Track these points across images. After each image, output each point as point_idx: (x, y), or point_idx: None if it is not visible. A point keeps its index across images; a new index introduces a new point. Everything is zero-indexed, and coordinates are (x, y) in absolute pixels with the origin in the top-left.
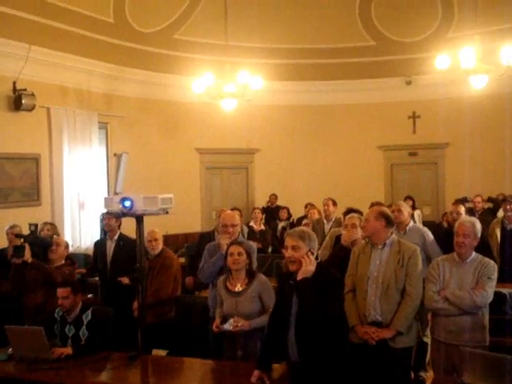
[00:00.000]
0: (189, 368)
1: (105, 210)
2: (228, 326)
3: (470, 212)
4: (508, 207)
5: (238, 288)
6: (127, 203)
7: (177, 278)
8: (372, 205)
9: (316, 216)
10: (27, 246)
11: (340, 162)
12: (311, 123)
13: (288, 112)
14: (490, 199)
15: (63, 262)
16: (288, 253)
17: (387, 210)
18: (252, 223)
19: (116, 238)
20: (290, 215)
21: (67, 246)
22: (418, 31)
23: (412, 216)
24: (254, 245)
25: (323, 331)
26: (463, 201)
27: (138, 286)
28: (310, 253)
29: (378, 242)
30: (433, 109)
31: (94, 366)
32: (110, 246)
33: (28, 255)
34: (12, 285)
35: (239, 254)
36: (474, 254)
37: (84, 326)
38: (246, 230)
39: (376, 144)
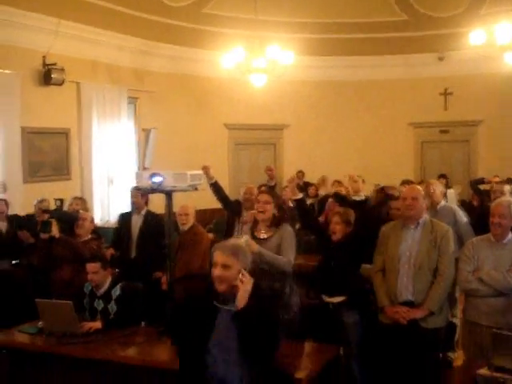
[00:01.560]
0: None
1: (134, 185)
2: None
3: (486, 194)
4: None
5: (263, 235)
6: (157, 179)
7: (206, 253)
8: (403, 182)
9: (343, 193)
10: (54, 222)
11: (370, 138)
12: (341, 99)
13: (317, 88)
14: (509, 180)
15: (89, 236)
16: (217, 271)
17: None
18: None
19: (143, 213)
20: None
21: (93, 220)
22: (452, 6)
23: (445, 195)
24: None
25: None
26: (479, 182)
27: (167, 261)
28: (243, 270)
29: (414, 221)
30: (465, 85)
31: (122, 341)
32: (137, 221)
33: (55, 231)
34: (39, 260)
35: (265, 202)
36: (510, 234)
37: (113, 301)
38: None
39: (407, 121)
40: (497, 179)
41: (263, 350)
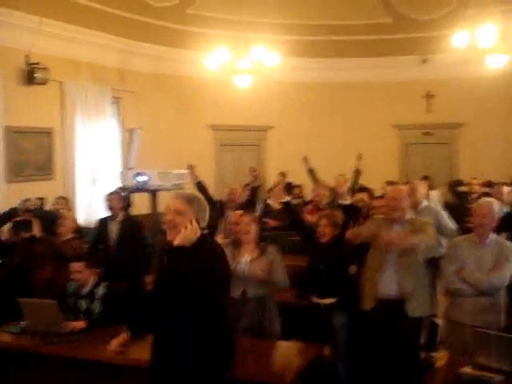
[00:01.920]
0: None
1: (118, 185)
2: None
3: (464, 196)
4: None
5: (247, 258)
6: (142, 178)
7: None
8: (388, 183)
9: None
10: (36, 221)
11: (354, 140)
12: (325, 101)
13: (302, 89)
14: (488, 183)
15: (71, 235)
16: (170, 215)
17: None
18: (270, 201)
19: (120, 219)
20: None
21: (74, 219)
22: (436, 8)
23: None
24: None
25: (186, 303)
26: (458, 184)
27: (151, 261)
28: (194, 220)
29: (400, 220)
30: (448, 88)
31: (106, 340)
32: (113, 227)
33: (37, 230)
34: (20, 259)
35: (248, 223)
36: (492, 235)
37: (96, 300)
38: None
39: (391, 123)
40: (475, 181)
41: (178, 290)
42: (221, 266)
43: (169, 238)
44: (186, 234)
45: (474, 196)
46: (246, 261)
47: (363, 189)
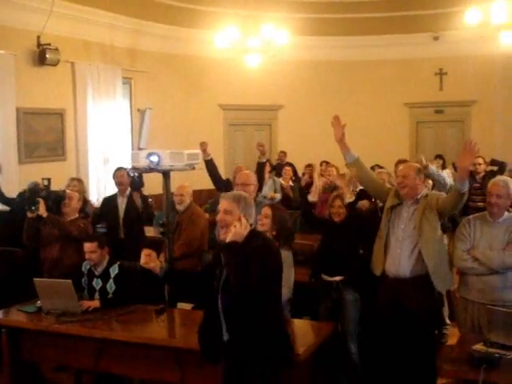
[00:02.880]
0: None
1: (129, 165)
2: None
3: (471, 175)
4: None
5: None
6: (154, 158)
7: (203, 233)
8: (398, 162)
9: (334, 173)
10: (42, 201)
11: (365, 118)
12: (336, 79)
13: (313, 68)
14: (493, 162)
15: (77, 215)
16: (220, 216)
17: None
18: (281, 179)
19: (127, 193)
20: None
21: (80, 199)
22: None
23: None
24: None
25: (250, 304)
26: None
27: (165, 240)
28: (243, 217)
29: (412, 198)
30: (460, 66)
31: (121, 319)
32: (122, 202)
33: (43, 210)
34: (27, 239)
35: (265, 215)
36: (506, 213)
37: (111, 280)
38: (278, 182)
39: (402, 101)
40: (480, 160)
41: (239, 289)
42: (275, 259)
43: (222, 236)
44: (236, 230)
45: (481, 175)
46: None
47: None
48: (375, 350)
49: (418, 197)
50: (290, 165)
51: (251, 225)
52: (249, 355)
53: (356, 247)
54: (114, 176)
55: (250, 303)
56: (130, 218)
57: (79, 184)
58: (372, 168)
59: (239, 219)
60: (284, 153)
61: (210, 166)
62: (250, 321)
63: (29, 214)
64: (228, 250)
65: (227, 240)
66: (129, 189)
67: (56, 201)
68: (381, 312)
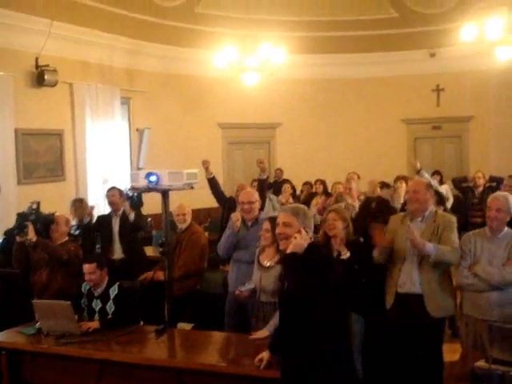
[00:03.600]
0: (214, 341)
1: (128, 185)
2: (246, 289)
3: (469, 190)
4: None
5: (266, 263)
6: (153, 178)
7: (203, 252)
8: (398, 178)
9: (341, 189)
10: (31, 225)
11: (363, 135)
12: (334, 97)
13: (310, 86)
14: (491, 178)
15: (66, 238)
16: (279, 229)
17: None
18: (280, 197)
19: (120, 213)
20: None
21: (67, 222)
22: (443, 2)
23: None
24: None
25: (309, 315)
26: (462, 180)
27: (165, 260)
28: (303, 230)
29: (420, 213)
30: (457, 82)
31: (121, 340)
32: (115, 222)
33: (32, 234)
34: (15, 262)
35: (266, 230)
36: (506, 229)
37: (111, 300)
38: (274, 200)
39: (399, 117)
40: (479, 175)
41: (302, 299)
42: (332, 270)
43: (282, 247)
44: (296, 241)
45: (479, 190)
46: (265, 264)
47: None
48: (379, 367)
49: (426, 213)
50: (288, 182)
51: (311, 238)
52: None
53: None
54: (106, 196)
55: (311, 315)
56: (125, 237)
57: (82, 206)
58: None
59: (299, 231)
60: (281, 170)
61: (213, 183)
62: (311, 336)
63: (18, 239)
64: (289, 261)
65: (288, 251)
66: (122, 208)
67: (45, 224)
68: (390, 327)
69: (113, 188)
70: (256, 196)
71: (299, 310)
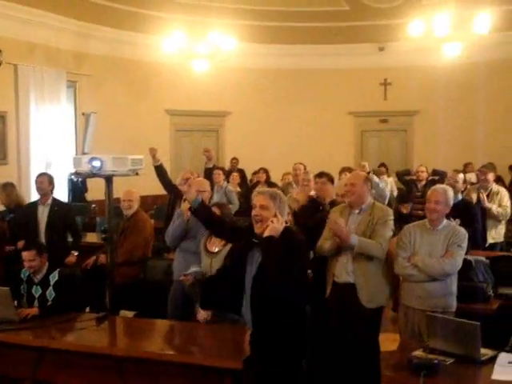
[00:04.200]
0: (157, 329)
1: (72, 170)
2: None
3: (413, 183)
4: (484, 177)
5: (215, 248)
6: (96, 163)
7: (148, 240)
8: (343, 170)
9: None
10: None
11: (311, 126)
12: (283, 87)
13: (260, 75)
14: (435, 172)
15: None
16: (255, 211)
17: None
18: (229, 186)
19: (49, 202)
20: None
21: None
22: None
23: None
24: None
25: (281, 297)
26: (405, 173)
27: (107, 246)
28: (278, 214)
29: (358, 206)
30: (405, 76)
31: (61, 327)
32: (43, 212)
33: None
34: None
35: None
36: (445, 221)
37: (51, 287)
38: (230, 189)
39: (347, 110)
40: (422, 169)
41: (277, 282)
42: (307, 257)
43: (257, 230)
44: (273, 225)
45: (422, 183)
46: (214, 250)
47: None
48: (321, 356)
49: (364, 206)
50: (240, 171)
51: (286, 222)
52: (271, 349)
53: None
54: (35, 182)
55: (283, 297)
56: (53, 231)
57: (14, 189)
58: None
59: (275, 215)
60: (236, 159)
61: (160, 171)
62: (278, 314)
63: None
64: (267, 244)
65: (265, 234)
66: (51, 197)
67: None
68: (329, 317)
69: (43, 174)
70: (206, 185)
71: (270, 292)
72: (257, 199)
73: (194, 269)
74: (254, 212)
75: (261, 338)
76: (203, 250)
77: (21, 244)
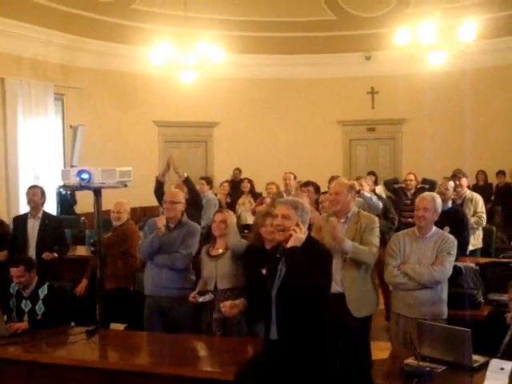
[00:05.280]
0: (149, 342)
1: (61, 183)
2: (204, 299)
3: (401, 191)
4: (458, 183)
5: (218, 251)
6: (85, 176)
7: (136, 252)
8: (332, 178)
9: (274, 190)
10: None
11: (299, 136)
12: (271, 97)
13: (248, 85)
14: (424, 181)
15: None
16: (277, 221)
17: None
18: (219, 196)
19: (40, 215)
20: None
21: None
22: (379, 6)
23: (374, 191)
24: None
25: (306, 306)
26: (393, 182)
27: (96, 259)
28: (300, 223)
29: (343, 214)
30: (391, 85)
31: (51, 341)
32: (34, 225)
33: None
34: None
35: (222, 221)
36: (434, 228)
37: (40, 301)
38: (213, 198)
39: (335, 119)
40: (411, 177)
41: (302, 291)
42: (329, 263)
43: (278, 238)
44: (296, 235)
45: (412, 191)
46: (217, 253)
47: (309, 183)
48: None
49: (349, 214)
50: (249, 181)
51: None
52: (296, 359)
53: None
54: (26, 194)
55: (308, 306)
56: (43, 243)
57: None
58: (306, 184)
59: (297, 225)
60: (239, 170)
61: (188, 184)
62: (304, 323)
63: None
64: (292, 254)
65: (289, 245)
66: (42, 210)
67: None
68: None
69: (34, 186)
70: (180, 197)
71: (297, 301)
72: (279, 209)
73: (208, 298)
74: (275, 222)
75: (287, 348)
76: (205, 256)
77: (3, 255)
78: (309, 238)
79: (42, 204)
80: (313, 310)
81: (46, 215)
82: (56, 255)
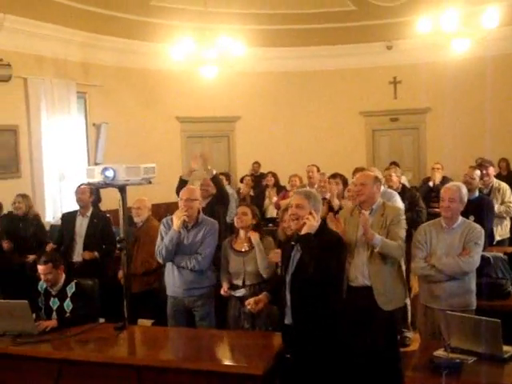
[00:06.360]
0: (176, 337)
1: (86, 180)
2: (239, 294)
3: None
4: (484, 172)
5: (245, 247)
6: (109, 173)
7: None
8: (356, 170)
9: (297, 183)
10: None
11: (322, 128)
12: (292, 90)
13: (269, 79)
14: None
15: None
16: (292, 210)
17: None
18: (242, 190)
19: (89, 214)
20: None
21: None
22: None
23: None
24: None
25: (319, 291)
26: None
27: (123, 256)
28: (314, 211)
29: (369, 206)
30: (414, 74)
31: (79, 338)
32: (82, 223)
33: None
34: None
35: (243, 213)
36: (460, 219)
37: (68, 299)
38: (234, 194)
39: (357, 110)
40: (438, 166)
41: (315, 275)
42: (341, 249)
43: (294, 227)
44: (309, 223)
45: (437, 181)
46: (243, 249)
47: (336, 175)
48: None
49: (374, 206)
50: (274, 174)
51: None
52: (309, 342)
53: None
54: (76, 192)
55: (322, 291)
56: (90, 240)
57: (24, 200)
58: (333, 176)
59: (310, 213)
60: (258, 163)
61: (216, 181)
62: (317, 308)
63: None
64: (305, 240)
65: (303, 232)
66: (91, 209)
67: None
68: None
69: (84, 185)
70: (197, 194)
71: (310, 287)
72: (293, 199)
73: (240, 294)
74: (290, 211)
75: (301, 333)
76: (230, 250)
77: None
78: (322, 225)
79: (91, 202)
80: (326, 295)
81: (95, 214)
82: (97, 254)
